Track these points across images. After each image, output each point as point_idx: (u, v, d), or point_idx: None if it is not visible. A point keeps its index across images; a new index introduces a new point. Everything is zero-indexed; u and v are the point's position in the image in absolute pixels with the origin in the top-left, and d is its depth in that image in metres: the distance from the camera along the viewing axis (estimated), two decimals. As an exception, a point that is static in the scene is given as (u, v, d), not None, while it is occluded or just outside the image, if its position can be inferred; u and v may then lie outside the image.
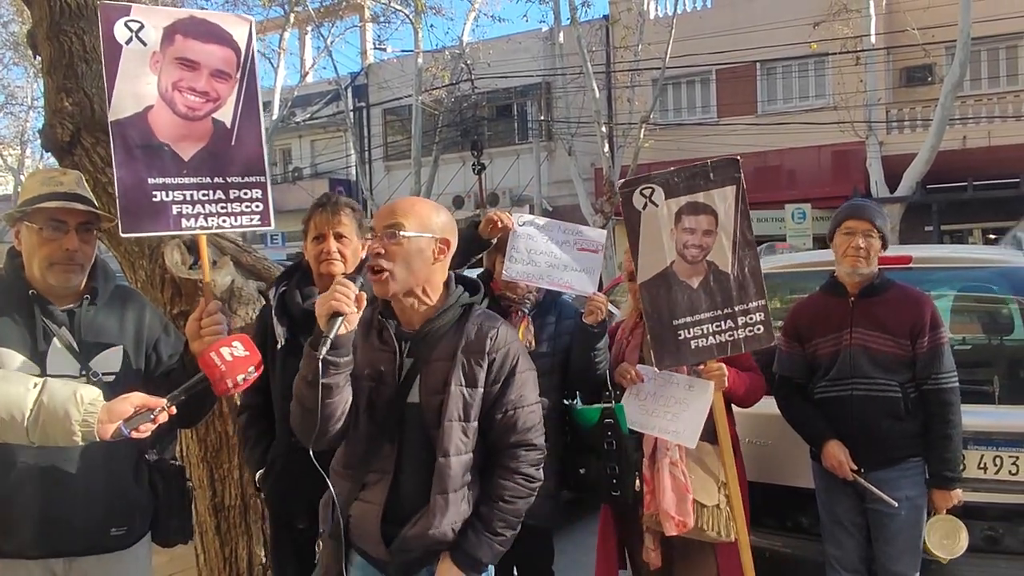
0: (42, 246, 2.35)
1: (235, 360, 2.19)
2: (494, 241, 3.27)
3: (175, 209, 2.45)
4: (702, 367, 3.08)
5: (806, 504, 3.59)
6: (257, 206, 2.59)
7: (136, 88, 2.40)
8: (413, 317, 2.25)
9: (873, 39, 16.08)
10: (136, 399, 2.11)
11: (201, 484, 3.45)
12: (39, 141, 3.74)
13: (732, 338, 3.04)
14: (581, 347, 3.25)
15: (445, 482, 2.16)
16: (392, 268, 2.15)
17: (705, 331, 3.04)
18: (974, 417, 3.39)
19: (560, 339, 3.33)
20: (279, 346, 2.83)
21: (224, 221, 2.54)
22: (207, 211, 2.51)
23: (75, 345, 2.36)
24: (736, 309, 3.03)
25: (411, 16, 20.21)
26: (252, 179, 2.58)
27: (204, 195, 2.50)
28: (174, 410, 2.17)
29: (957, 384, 3.24)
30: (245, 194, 2.56)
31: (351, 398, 2.20)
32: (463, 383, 2.20)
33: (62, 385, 2.07)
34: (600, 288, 3.47)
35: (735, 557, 3.11)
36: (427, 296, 2.24)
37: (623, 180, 3.08)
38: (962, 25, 13.18)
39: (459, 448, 2.18)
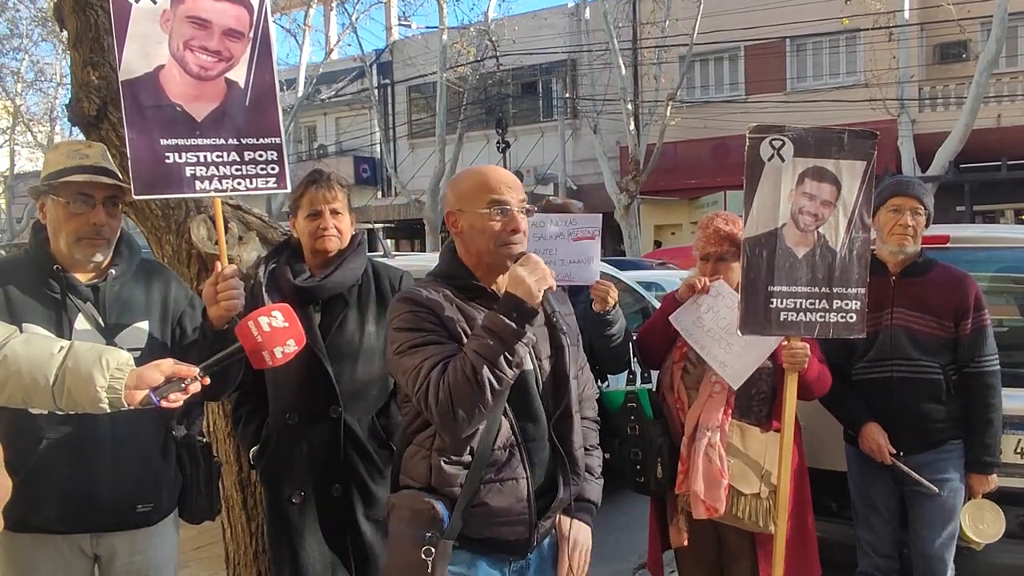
0: (69, 220, 2.32)
1: (273, 331, 2.08)
2: None
3: (188, 171, 2.42)
4: (784, 342, 2.93)
5: (836, 487, 3.54)
6: (273, 168, 2.54)
7: (146, 48, 2.36)
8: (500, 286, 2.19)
9: (907, 14, 15.79)
10: (167, 367, 2.04)
11: (228, 459, 3.46)
12: (67, 117, 3.74)
13: (823, 319, 2.88)
14: (594, 332, 3.21)
15: (579, 436, 2.22)
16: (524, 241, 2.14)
17: (799, 305, 2.87)
18: (1012, 401, 3.31)
19: (588, 317, 3.29)
20: None
21: (239, 183, 2.50)
22: (221, 173, 2.46)
23: (100, 320, 2.35)
24: (834, 291, 2.88)
25: (436, -8, 20.09)
26: (267, 140, 2.53)
27: (218, 156, 2.46)
28: (207, 380, 2.10)
29: (999, 367, 3.17)
30: (260, 156, 2.52)
31: None
32: (572, 341, 2.24)
33: (88, 349, 2.02)
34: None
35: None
36: None
37: (754, 125, 2.91)
38: (999, 0, 12.86)
39: (579, 401, 2.25)
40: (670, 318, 3.11)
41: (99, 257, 2.37)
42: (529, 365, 2.13)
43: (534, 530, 2.13)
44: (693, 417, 3.06)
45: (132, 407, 2.02)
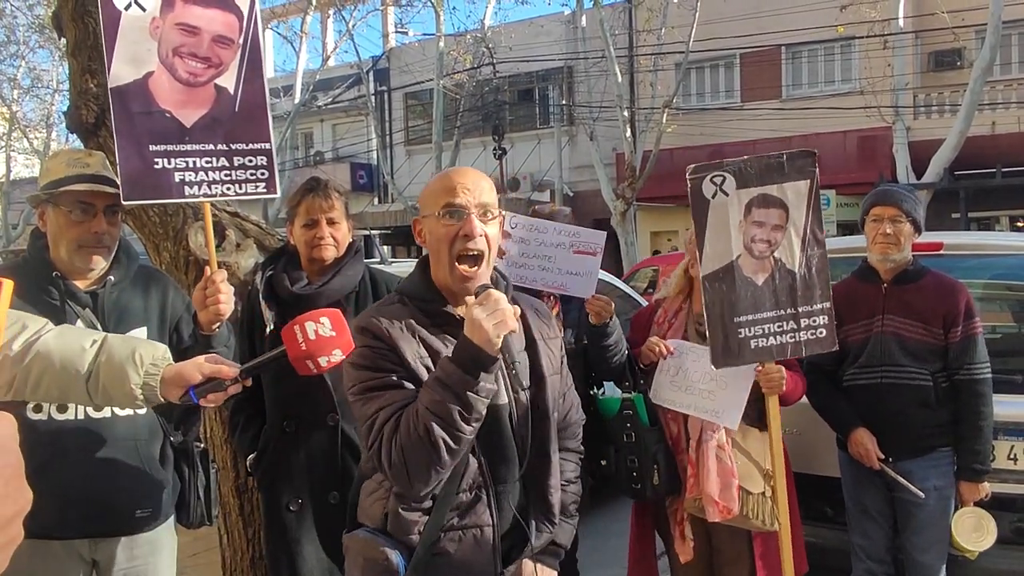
0: (70, 228, 2.34)
1: (319, 339, 1.95)
2: None
3: (177, 176, 2.42)
4: (759, 368, 2.95)
5: (831, 493, 3.55)
6: (262, 173, 2.54)
7: (135, 55, 2.36)
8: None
9: (901, 22, 15.81)
10: (207, 368, 1.99)
11: (225, 465, 3.47)
12: (64, 124, 3.75)
13: (794, 340, 2.91)
14: (590, 342, 3.22)
15: (556, 476, 2.03)
16: (487, 255, 1.89)
17: (767, 331, 2.89)
18: (1004, 407, 3.32)
19: (583, 326, 3.30)
20: (267, 331, 2.80)
21: (228, 188, 2.50)
22: (211, 178, 2.46)
23: (98, 326, 2.35)
24: (800, 310, 2.90)
25: (433, -1, 20.15)
26: (257, 146, 2.52)
27: (207, 162, 2.46)
28: (249, 382, 2.06)
29: (990, 375, 3.18)
30: (250, 161, 2.52)
31: None
32: (552, 371, 2.03)
33: (121, 343, 2.01)
34: (621, 273, 3.41)
35: (773, 548, 3.02)
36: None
37: (693, 165, 2.92)
38: (993, 8, 12.92)
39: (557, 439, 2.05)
40: (651, 399, 3.11)
41: (100, 264, 2.39)
42: (504, 399, 1.93)
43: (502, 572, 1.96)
44: (696, 423, 3.06)
45: (170, 401, 1.99)
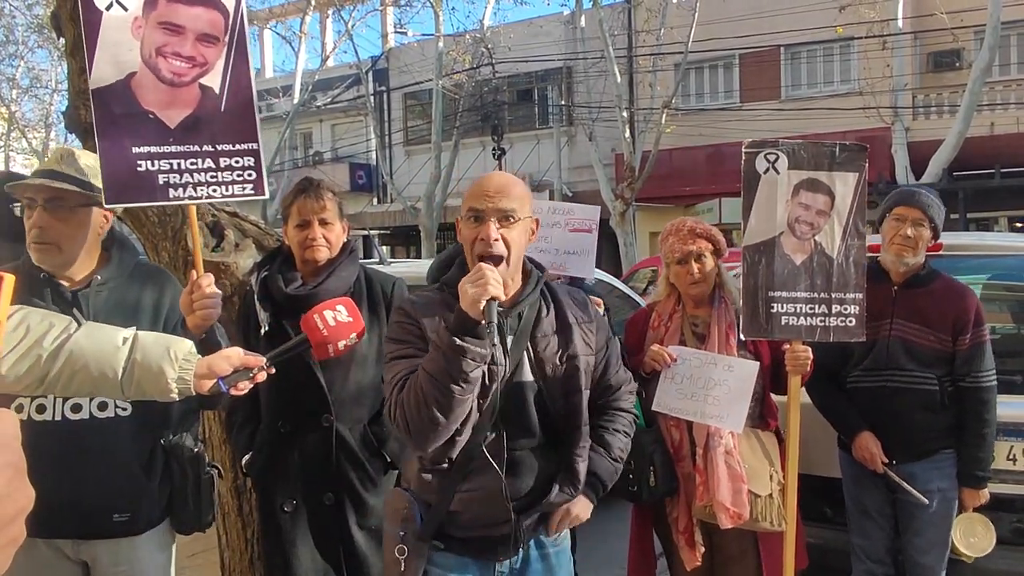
0: (26, 224, 2.34)
1: (339, 325, 2.14)
2: None
3: (162, 179, 2.37)
4: (786, 346, 2.98)
5: (831, 493, 3.55)
6: (250, 174, 2.48)
7: (117, 55, 2.32)
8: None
9: (900, 23, 15.81)
10: (236, 358, 2.10)
11: (224, 466, 3.46)
12: (63, 124, 3.74)
13: (823, 324, 2.94)
14: None
15: (585, 448, 2.21)
16: (508, 255, 2.06)
17: (798, 310, 2.93)
18: (1004, 408, 3.32)
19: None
20: (263, 331, 2.80)
21: (215, 190, 2.44)
22: (196, 180, 2.41)
23: None
24: (833, 296, 2.94)
25: (432, -1, 20.14)
26: (244, 146, 2.46)
27: (192, 163, 2.40)
28: (273, 370, 2.15)
29: (995, 383, 3.18)
30: (236, 162, 2.46)
31: None
32: (586, 351, 2.21)
33: (154, 341, 2.06)
34: (618, 273, 3.41)
35: (778, 546, 3.01)
36: (515, 278, 2.17)
37: (750, 140, 3.00)
38: (992, 9, 12.91)
39: (588, 413, 2.23)
40: (654, 408, 3.10)
41: (47, 262, 2.35)
42: (528, 376, 2.14)
43: (518, 528, 2.14)
44: (702, 429, 3.05)
45: (200, 393, 2.09)
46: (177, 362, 2.01)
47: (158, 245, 3.45)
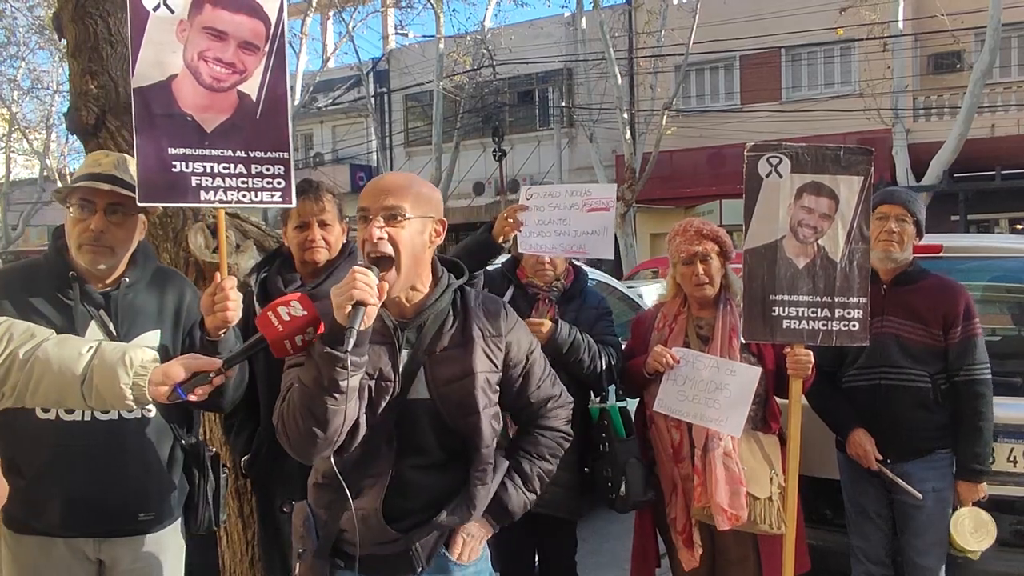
0: (74, 226, 2.35)
1: (293, 320, 2.05)
2: (508, 245, 3.22)
3: (195, 181, 2.41)
4: (788, 350, 2.97)
5: (830, 495, 3.55)
6: (279, 183, 2.51)
7: (161, 56, 2.35)
8: (403, 307, 2.06)
9: (901, 25, 15.82)
10: (190, 363, 2.05)
11: (226, 467, 3.47)
12: (64, 125, 3.75)
13: (826, 327, 2.92)
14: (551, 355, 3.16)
15: (485, 470, 2.10)
16: (397, 256, 1.95)
17: (800, 314, 2.92)
18: (1004, 410, 3.33)
19: (583, 327, 3.30)
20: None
21: (244, 196, 2.48)
22: (227, 185, 2.45)
23: (112, 329, 2.36)
24: (836, 300, 2.92)
25: (433, 1, 20.14)
26: (275, 155, 2.50)
27: (225, 168, 2.44)
28: (232, 372, 2.11)
29: (990, 376, 3.18)
30: (267, 170, 2.50)
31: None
32: (487, 368, 2.08)
33: (113, 348, 2.05)
34: (619, 274, 3.41)
35: (778, 549, 2.99)
36: (422, 284, 2.07)
37: (752, 143, 2.98)
38: (992, 11, 12.94)
39: (492, 433, 2.10)
40: (655, 409, 3.11)
41: (100, 264, 2.37)
42: (424, 395, 2.03)
43: (409, 547, 2.05)
44: (701, 431, 3.06)
45: (160, 402, 2.04)
46: (132, 368, 1.98)
47: (159, 246, 3.46)
